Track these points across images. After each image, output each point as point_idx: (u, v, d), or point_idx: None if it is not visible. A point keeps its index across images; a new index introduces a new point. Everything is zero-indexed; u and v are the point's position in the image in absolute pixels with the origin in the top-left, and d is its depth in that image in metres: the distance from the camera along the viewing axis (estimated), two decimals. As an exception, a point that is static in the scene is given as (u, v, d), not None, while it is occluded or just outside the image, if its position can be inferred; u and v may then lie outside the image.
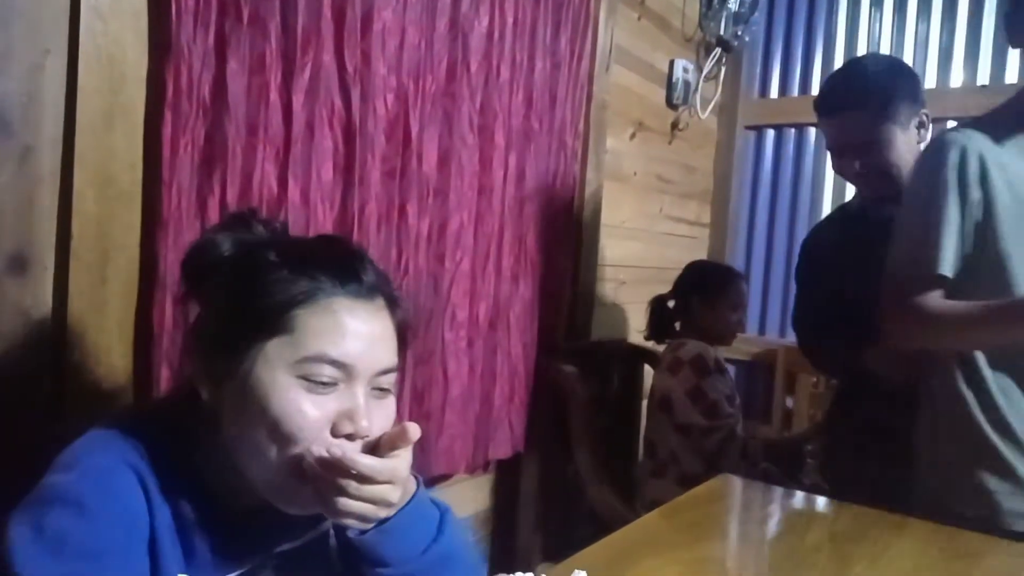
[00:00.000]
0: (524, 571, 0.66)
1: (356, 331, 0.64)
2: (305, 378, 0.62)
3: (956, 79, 2.58)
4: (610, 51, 2.04)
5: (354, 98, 1.25)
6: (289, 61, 1.15)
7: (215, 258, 0.67)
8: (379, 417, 0.66)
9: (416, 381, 1.46)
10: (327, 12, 1.20)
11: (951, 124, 2.59)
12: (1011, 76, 2.50)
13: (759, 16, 2.64)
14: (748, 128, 2.80)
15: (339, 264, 0.66)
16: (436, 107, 1.44)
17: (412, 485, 0.69)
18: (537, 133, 1.74)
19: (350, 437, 0.63)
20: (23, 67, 0.90)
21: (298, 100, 1.17)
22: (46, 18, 0.92)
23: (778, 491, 1.29)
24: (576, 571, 0.66)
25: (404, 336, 0.71)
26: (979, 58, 2.54)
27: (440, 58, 1.44)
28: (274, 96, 1.14)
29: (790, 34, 2.77)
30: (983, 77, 2.54)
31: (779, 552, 1.10)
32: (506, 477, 1.87)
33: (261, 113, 1.12)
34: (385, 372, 0.66)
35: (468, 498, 1.77)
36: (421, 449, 1.47)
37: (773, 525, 1.11)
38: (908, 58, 2.66)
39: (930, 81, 2.64)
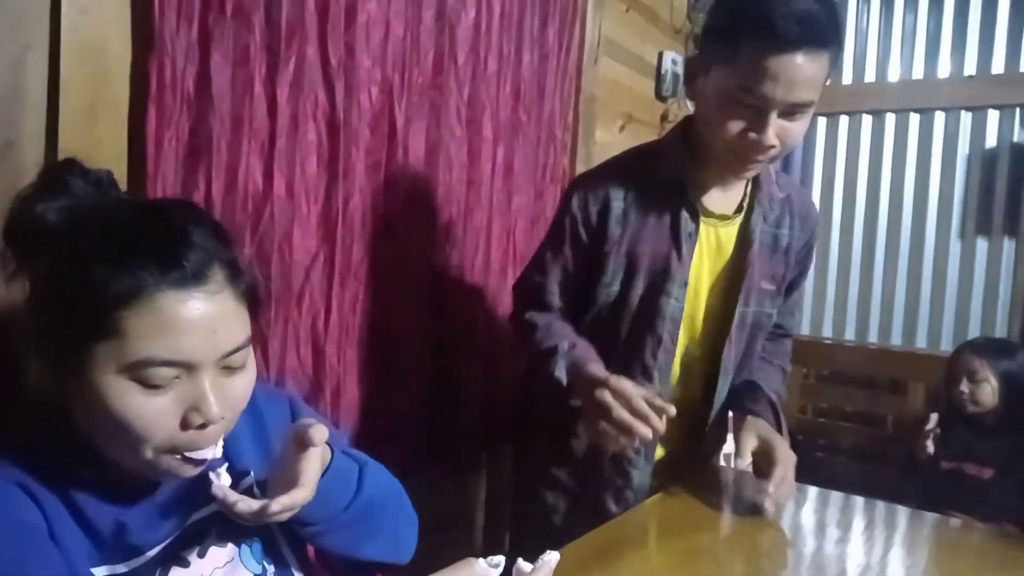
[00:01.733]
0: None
1: (187, 325, 0.60)
2: (140, 381, 0.59)
3: (944, 69, 2.59)
4: (598, 43, 2.04)
5: (338, 91, 1.24)
6: (273, 54, 1.15)
7: (37, 230, 0.61)
8: (232, 396, 0.64)
9: (400, 374, 1.46)
10: (311, 4, 1.20)
11: (939, 115, 2.61)
12: (997, 66, 2.51)
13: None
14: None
15: (158, 249, 0.60)
16: (423, 100, 1.44)
17: (327, 455, 0.72)
18: (526, 126, 1.74)
19: (203, 427, 0.62)
20: (4, 62, 0.90)
21: (282, 93, 1.16)
22: (27, 12, 0.92)
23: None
24: (549, 552, 0.66)
25: (255, 301, 0.68)
26: (966, 48, 2.55)
27: (426, 50, 1.43)
28: (259, 89, 1.14)
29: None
30: (970, 67, 2.55)
31: (768, 540, 1.11)
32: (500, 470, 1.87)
33: (246, 107, 1.12)
34: (232, 353, 0.63)
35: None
36: (398, 442, 1.47)
37: (764, 515, 1.12)
38: (896, 49, 2.67)
39: (918, 72, 2.65)
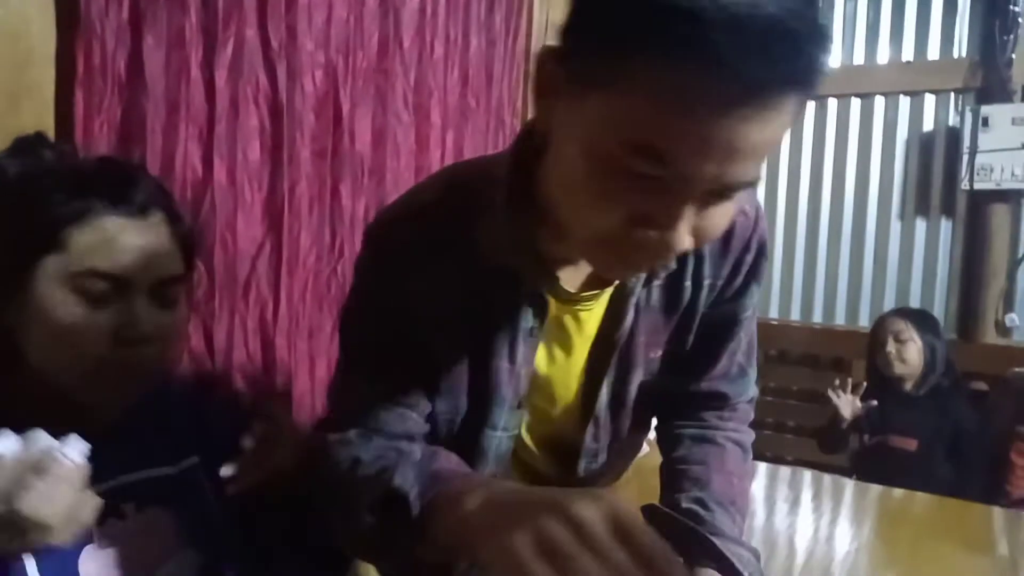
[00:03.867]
0: None
1: (126, 245, 0.68)
2: (80, 292, 0.66)
3: (883, 55, 2.66)
4: (546, 28, 2.03)
5: (280, 74, 1.21)
6: (210, 36, 1.11)
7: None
8: (165, 323, 0.71)
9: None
10: (249, -15, 1.16)
11: (879, 100, 2.68)
12: (933, 52, 2.59)
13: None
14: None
15: (111, 185, 0.70)
16: (368, 84, 1.41)
17: None
18: (474, 111, 1.72)
19: (131, 343, 0.67)
20: (-86, 42, 0.84)
21: (221, 77, 1.12)
22: (-62, -11, 0.86)
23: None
24: None
25: (190, 247, 0.76)
26: (903, 35, 2.62)
27: (370, 33, 1.40)
28: (195, 72, 1.10)
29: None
30: (907, 53, 2.62)
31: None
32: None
33: (182, 90, 1.08)
34: (165, 282, 0.71)
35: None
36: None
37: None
38: (837, 35, 2.73)
39: (858, 57, 2.71)
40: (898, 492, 1.27)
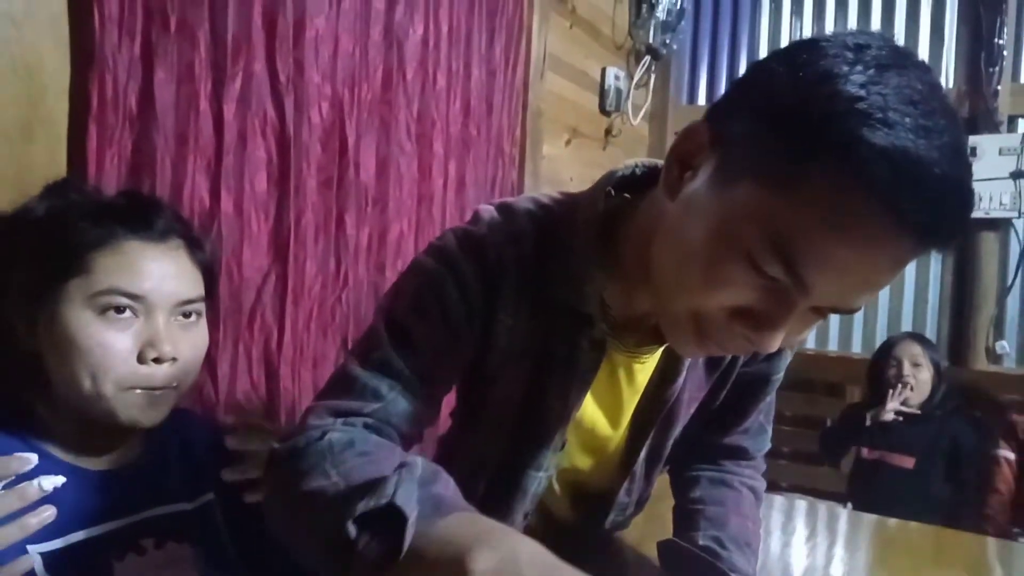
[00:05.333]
0: None
1: (147, 268, 0.71)
2: (103, 311, 0.69)
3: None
4: (544, 59, 2.07)
5: (287, 107, 1.23)
6: (219, 70, 1.13)
7: (28, 222, 0.72)
8: (186, 343, 0.74)
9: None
10: (258, 20, 1.18)
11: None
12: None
13: (686, 24, 2.72)
14: (678, 134, 2.88)
15: (133, 213, 0.73)
16: (372, 115, 1.43)
17: None
18: (475, 140, 1.74)
19: (157, 361, 0.70)
20: (-68, 77, 0.86)
21: (229, 110, 1.14)
22: (-44, 25, 0.88)
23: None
24: None
25: (209, 272, 0.79)
26: (892, 66, 2.68)
27: (375, 66, 1.43)
28: (204, 106, 1.11)
29: (715, 42, 2.86)
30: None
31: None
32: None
33: (191, 123, 1.09)
34: (186, 303, 0.74)
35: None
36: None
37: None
38: (827, 66, 2.78)
39: (848, 88, 2.77)
40: (893, 521, 1.29)
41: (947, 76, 2.59)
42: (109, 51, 0.99)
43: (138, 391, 0.70)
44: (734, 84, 0.56)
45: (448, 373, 0.72)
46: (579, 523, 0.90)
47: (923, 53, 2.61)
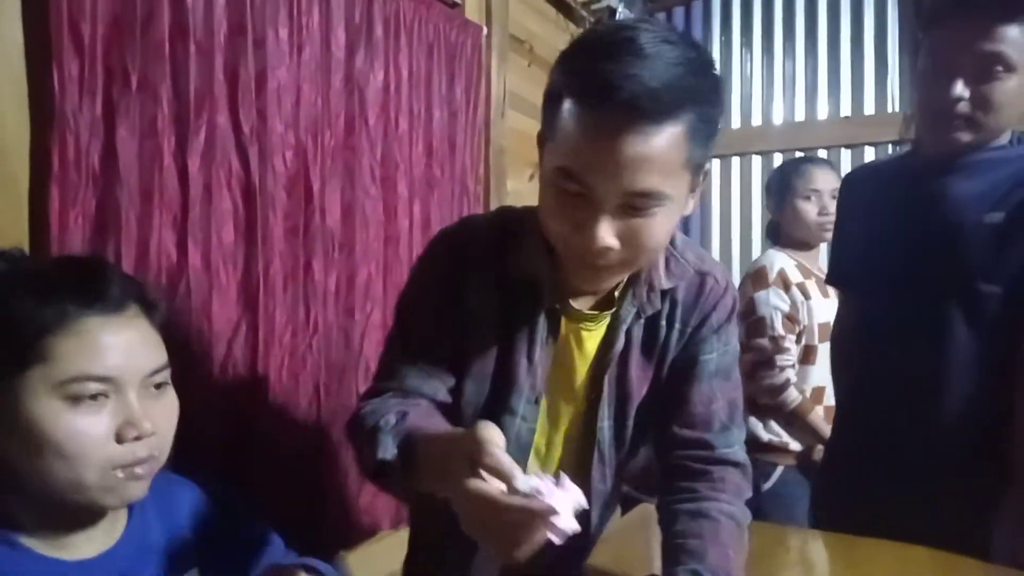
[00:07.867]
0: None
1: (110, 345, 0.67)
2: (72, 399, 0.65)
3: (822, 111, 2.80)
4: (504, 98, 2.10)
5: (252, 157, 1.23)
6: (183, 124, 1.13)
7: None
8: (161, 413, 0.71)
9: (332, 438, 1.43)
10: (220, 73, 1.19)
11: (821, 153, 2.81)
12: (868, 108, 2.73)
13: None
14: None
15: (82, 284, 0.68)
16: (336, 161, 1.44)
17: None
18: (439, 180, 1.76)
19: (137, 439, 0.67)
20: None
21: (194, 163, 1.15)
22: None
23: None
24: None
25: (171, 332, 0.76)
26: (840, 92, 2.77)
27: (337, 113, 1.44)
28: (168, 160, 1.12)
29: (671, 75, 2.93)
30: (845, 109, 2.77)
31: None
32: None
33: (155, 178, 1.10)
34: (154, 373, 0.71)
35: (393, 554, 1.73)
36: (342, 511, 1.44)
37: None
38: (778, 94, 2.87)
39: (799, 114, 2.86)
40: (869, 541, 1.29)
41: (893, 102, 2.69)
42: (70, 111, 0.99)
43: (120, 472, 0.67)
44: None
45: (443, 347, 0.90)
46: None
47: (869, 80, 2.71)
